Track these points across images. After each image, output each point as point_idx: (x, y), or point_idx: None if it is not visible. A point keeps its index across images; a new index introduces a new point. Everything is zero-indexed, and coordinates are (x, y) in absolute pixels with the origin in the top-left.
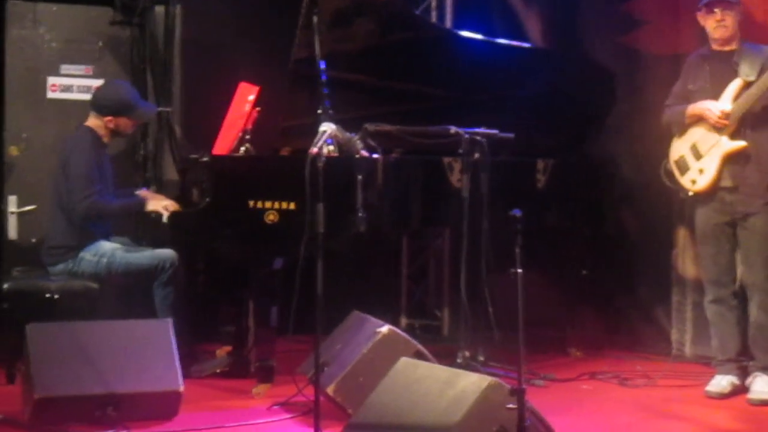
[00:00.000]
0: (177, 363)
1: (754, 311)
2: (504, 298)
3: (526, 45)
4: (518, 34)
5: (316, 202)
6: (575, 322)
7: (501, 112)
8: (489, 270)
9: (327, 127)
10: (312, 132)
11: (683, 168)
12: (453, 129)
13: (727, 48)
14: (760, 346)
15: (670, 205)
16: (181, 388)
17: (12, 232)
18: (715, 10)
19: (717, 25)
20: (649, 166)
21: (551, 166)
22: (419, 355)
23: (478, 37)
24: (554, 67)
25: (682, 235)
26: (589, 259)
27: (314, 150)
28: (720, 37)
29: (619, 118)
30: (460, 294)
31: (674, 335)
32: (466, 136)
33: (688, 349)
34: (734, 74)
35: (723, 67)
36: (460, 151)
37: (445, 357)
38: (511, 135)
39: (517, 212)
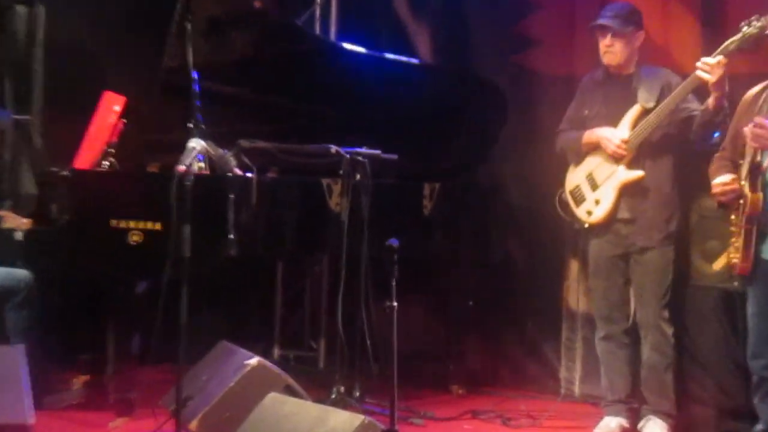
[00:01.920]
0: (27, 393)
1: (646, 351)
2: (384, 329)
3: (413, 60)
4: (406, 49)
5: (183, 224)
6: (459, 357)
7: (385, 132)
8: (369, 300)
9: (197, 143)
10: (182, 147)
11: (579, 198)
12: (333, 148)
13: (624, 72)
14: (652, 388)
15: (562, 235)
16: (31, 421)
17: None
18: (605, 36)
19: (606, 50)
20: (540, 193)
21: (438, 191)
22: (290, 390)
23: (363, 50)
24: (443, 85)
25: (573, 267)
26: (476, 290)
27: (182, 167)
28: (608, 63)
29: (511, 141)
30: (337, 324)
31: (563, 373)
32: (347, 156)
33: (577, 388)
34: (632, 100)
35: (620, 92)
36: (341, 172)
37: (320, 391)
38: (395, 156)
39: (393, 242)
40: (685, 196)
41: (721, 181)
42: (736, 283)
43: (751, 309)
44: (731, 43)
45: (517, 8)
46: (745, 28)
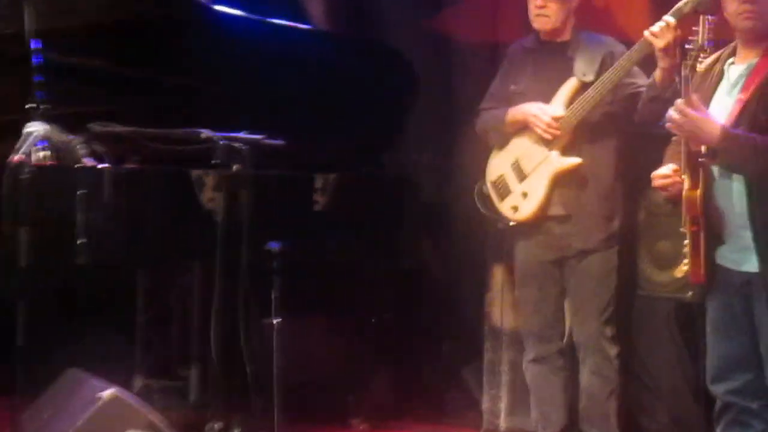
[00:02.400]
0: None
1: (585, 375)
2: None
3: (303, 26)
4: (296, 13)
5: (19, 226)
6: (361, 385)
7: (271, 113)
8: (250, 317)
9: (38, 127)
10: (18, 133)
11: (503, 191)
12: (204, 133)
13: (558, 39)
14: (592, 419)
15: (484, 236)
16: None
17: None
18: None
19: (537, 13)
20: (459, 186)
21: (335, 183)
22: (152, 428)
23: (240, 14)
24: (340, 56)
25: (497, 275)
26: (381, 304)
27: (18, 157)
28: (540, 28)
29: (423, 123)
30: (212, 348)
31: (485, 403)
32: (222, 142)
33: (502, 421)
34: (568, 72)
35: (554, 63)
36: (214, 161)
37: (191, 428)
38: (281, 141)
39: (274, 246)
40: (631, 188)
41: (660, 173)
42: (691, 293)
43: (709, 324)
44: (686, 3)
45: None
46: (680, 4)
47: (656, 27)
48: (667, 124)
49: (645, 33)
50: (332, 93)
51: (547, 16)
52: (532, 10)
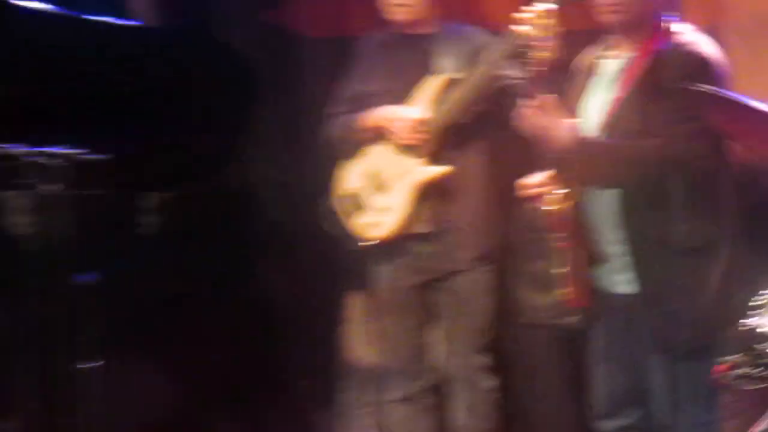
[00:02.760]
0: None
1: (460, 414)
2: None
3: (125, 22)
4: (114, 5)
5: None
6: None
7: (90, 123)
8: (72, 361)
9: None
10: None
11: (358, 206)
12: (6, 148)
13: (418, 31)
14: None
15: (341, 260)
16: None
17: None
18: None
19: (399, 3)
20: (308, 201)
21: (168, 203)
22: None
23: (45, 7)
24: (166, 55)
25: (355, 303)
26: (221, 339)
27: None
28: (403, 20)
29: (267, 132)
30: (26, 397)
31: None
32: (29, 158)
33: None
34: (431, 69)
35: (414, 59)
36: (21, 181)
37: None
38: (103, 156)
39: (89, 278)
40: (507, 199)
41: (528, 182)
42: (574, 319)
43: (595, 353)
44: None
45: None
46: None
47: (531, 14)
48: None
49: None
50: (162, 99)
51: (408, 5)
52: (389, 1)
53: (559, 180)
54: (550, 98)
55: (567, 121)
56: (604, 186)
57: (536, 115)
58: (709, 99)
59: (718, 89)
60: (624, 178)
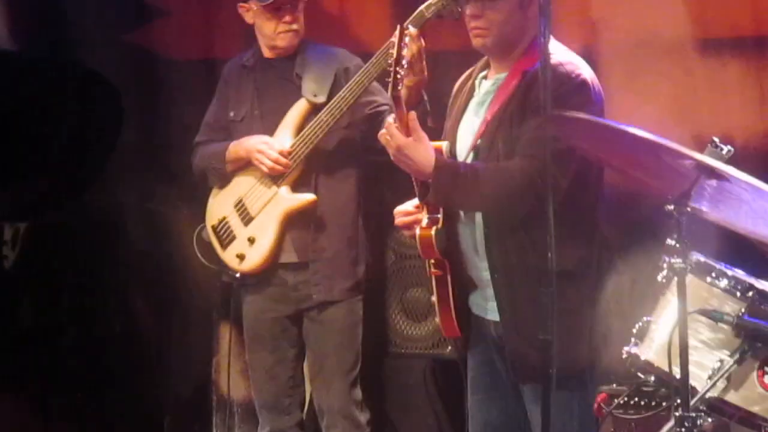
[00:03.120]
0: None
1: None
2: None
3: None
4: None
5: None
6: None
7: None
8: None
9: None
10: None
11: (226, 237)
12: None
13: (282, 54)
14: None
15: (208, 290)
16: None
17: None
18: (284, 11)
19: (285, 30)
20: (175, 231)
21: (24, 234)
22: None
23: None
24: (25, 83)
25: (225, 335)
26: (84, 376)
27: None
28: (287, 46)
29: (132, 160)
30: None
31: None
32: None
33: None
34: (296, 93)
35: (279, 83)
36: None
37: None
38: None
39: None
40: (378, 227)
41: (402, 209)
42: (450, 349)
43: (470, 384)
44: (428, 7)
45: None
46: (422, 8)
47: (395, 37)
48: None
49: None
50: (18, 126)
51: (295, 30)
52: (272, 27)
53: (430, 205)
54: (412, 118)
55: (429, 144)
56: (469, 209)
57: (397, 137)
58: (576, 123)
59: (584, 114)
60: (487, 202)
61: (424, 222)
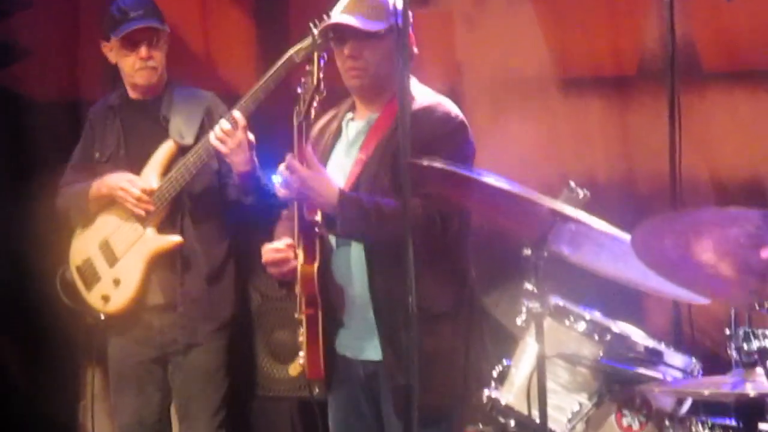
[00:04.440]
0: None
1: None
2: None
3: None
4: None
5: None
6: None
7: None
8: None
9: None
10: None
11: (90, 278)
12: None
13: (149, 95)
14: None
15: (73, 333)
16: None
17: None
18: (141, 46)
19: (142, 66)
20: (37, 271)
21: None
22: None
23: None
24: None
25: (90, 378)
26: None
27: None
28: (146, 84)
29: None
30: None
31: None
32: None
33: None
34: (163, 134)
35: (146, 124)
36: None
37: None
38: None
39: None
40: (243, 269)
41: (271, 246)
42: (317, 391)
43: (334, 426)
44: (297, 51)
45: None
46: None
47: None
48: (276, 185)
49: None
50: None
51: (154, 67)
52: (131, 64)
53: (306, 241)
54: (309, 151)
55: (329, 176)
56: (374, 240)
57: (301, 170)
58: (436, 172)
59: (443, 163)
60: (383, 234)
61: (302, 257)
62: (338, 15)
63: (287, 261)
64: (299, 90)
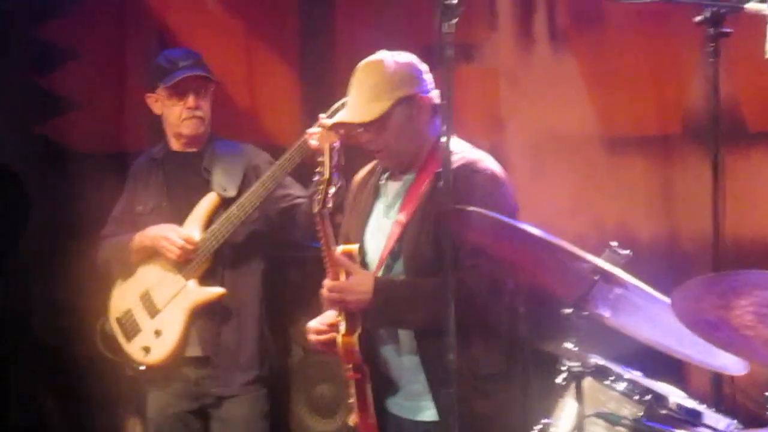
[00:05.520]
0: None
1: None
2: None
3: None
4: None
5: None
6: None
7: None
8: None
9: None
10: None
11: (131, 329)
12: None
13: (192, 149)
14: None
15: (115, 384)
16: None
17: None
18: (189, 95)
19: (189, 116)
20: (78, 323)
21: None
22: None
23: None
24: None
25: (133, 430)
26: None
27: None
28: (192, 134)
29: (41, 252)
30: None
31: None
32: None
33: None
34: (205, 187)
35: (187, 177)
36: None
37: None
38: None
39: None
40: (281, 321)
41: (314, 326)
42: None
43: None
44: (343, 103)
45: (41, 54)
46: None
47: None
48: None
49: (305, 138)
50: None
51: (201, 117)
52: (178, 114)
53: (343, 315)
54: (340, 254)
55: (363, 272)
56: (408, 328)
57: (338, 286)
58: (479, 220)
59: (486, 211)
60: (424, 316)
61: (343, 328)
62: (341, 108)
63: (333, 343)
64: (315, 178)
